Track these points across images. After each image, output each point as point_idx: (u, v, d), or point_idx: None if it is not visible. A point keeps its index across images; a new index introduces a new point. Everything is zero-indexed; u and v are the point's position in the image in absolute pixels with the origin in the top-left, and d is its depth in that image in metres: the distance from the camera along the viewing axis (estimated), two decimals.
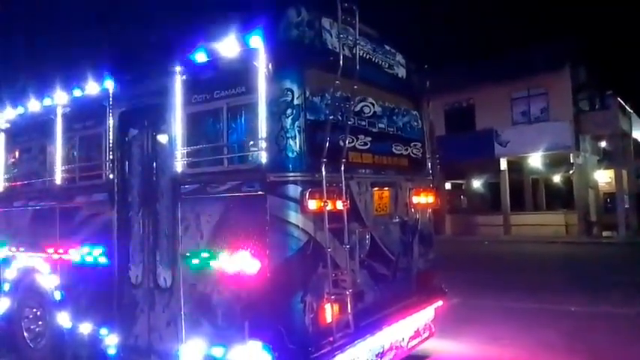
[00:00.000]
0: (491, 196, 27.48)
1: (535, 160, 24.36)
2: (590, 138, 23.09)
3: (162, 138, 4.63)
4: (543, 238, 21.17)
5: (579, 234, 21.51)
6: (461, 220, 25.32)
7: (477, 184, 29.44)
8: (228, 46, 4.00)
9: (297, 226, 3.71)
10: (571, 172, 23.02)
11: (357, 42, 4.20)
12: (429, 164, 5.63)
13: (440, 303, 5.25)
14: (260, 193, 3.81)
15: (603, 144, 24.41)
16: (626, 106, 23.62)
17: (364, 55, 4.65)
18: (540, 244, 19.82)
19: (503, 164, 23.45)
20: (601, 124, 21.62)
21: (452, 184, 28.84)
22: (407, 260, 5.01)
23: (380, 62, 5.00)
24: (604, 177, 26.04)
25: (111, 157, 4.98)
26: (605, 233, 21.98)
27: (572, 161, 22.13)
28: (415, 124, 5.49)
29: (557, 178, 28.05)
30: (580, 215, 21.84)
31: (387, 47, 5.12)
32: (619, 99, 22.05)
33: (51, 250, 5.49)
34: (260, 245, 3.80)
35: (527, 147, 22.62)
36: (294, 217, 3.71)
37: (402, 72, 5.33)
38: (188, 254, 4.25)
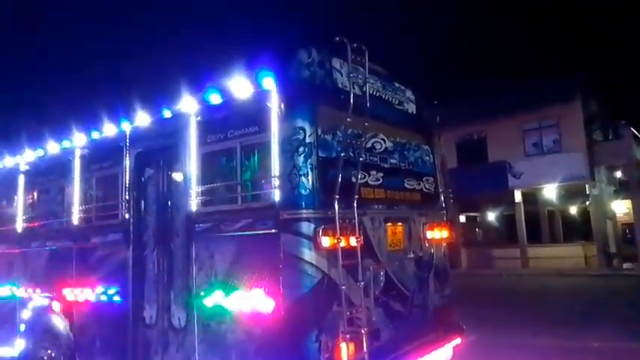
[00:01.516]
0: (507, 229, 27.10)
1: (550, 192, 24.09)
2: (605, 168, 22.85)
3: (177, 177, 4.71)
4: (562, 271, 20.70)
5: (599, 266, 21.01)
6: (477, 254, 24.93)
7: (492, 216, 29.11)
8: (241, 88, 4.11)
9: (311, 264, 3.71)
10: (587, 203, 22.70)
11: (367, 80, 4.29)
12: (442, 198, 5.62)
13: (458, 340, 5.13)
14: (273, 230, 3.83)
15: (619, 174, 24.12)
16: None
17: (374, 92, 4.74)
18: (560, 277, 19.36)
19: (518, 196, 23.22)
20: (615, 154, 21.42)
21: (466, 216, 28.56)
22: (423, 296, 4.94)
23: (390, 99, 5.07)
24: (621, 207, 25.61)
25: (127, 196, 5.06)
26: (625, 265, 21.45)
27: (587, 192, 21.85)
28: (427, 158, 5.51)
29: (573, 210, 27.64)
30: (599, 247, 21.39)
31: (397, 84, 5.21)
32: (632, 129, 21.91)
33: (66, 291, 5.52)
34: (274, 284, 3.79)
35: (541, 178, 22.42)
36: (308, 254, 3.71)
37: (412, 108, 5.39)
38: (202, 293, 4.24)
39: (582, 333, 8.70)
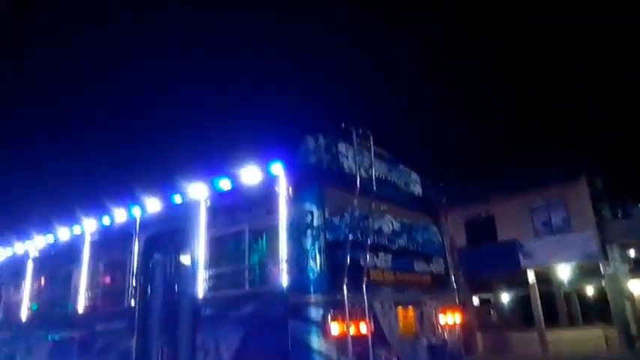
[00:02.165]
0: (523, 310, 26.12)
1: (564, 271, 23.51)
2: (618, 247, 22.46)
3: (185, 261, 4.70)
4: (585, 355, 19.68)
5: (621, 348, 20.00)
6: (493, 337, 23.88)
7: (506, 297, 28.20)
8: (250, 174, 4.22)
9: (320, 352, 3.58)
10: (603, 282, 22.07)
11: (373, 163, 4.39)
12: (453, 279, 5.51)
13: None
14: (281, 316, 3.74)
15: (632, 253, 23.68)
16: None
17: (380, 175, 4.82)
18: None
19: (531, 276, 22.64)
20: (626, 233, 21.13)
21: (480, 298, 27.70)
22: None
23: (396, 181, 5.15)
24: (638, 287, 24.85)
25: (134, 283, 5.02)
26: None
27: (602, 271, 21.32)
28: (435, 239, 5.48)
29: (590, 290, 26.77)
30: (619, 329, 20.49)
31: (402, 166, 5.31)
32: None
33: None
34: None
35: (553, 258, 21.98)
36: (317, 342, 3.59)
37: (418, 189, 5.45)
38: None
39: None
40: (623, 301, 21.52)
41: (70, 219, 5.94)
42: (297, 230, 3.86)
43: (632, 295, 23.97)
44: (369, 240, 4.17)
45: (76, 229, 5.86)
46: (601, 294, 23.82)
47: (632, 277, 24.76)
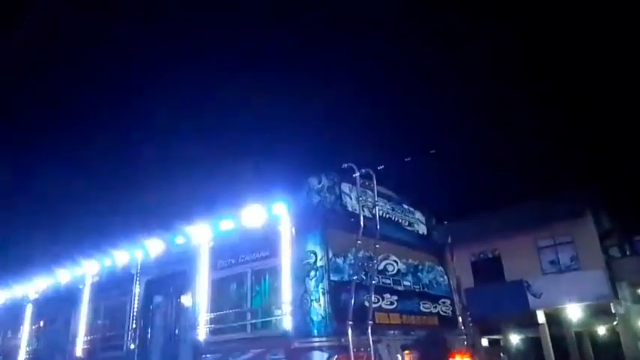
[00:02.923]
0: (534, 352, 25.40)
1: (574, 312, 22.99)
2: (628, 285, 22.04)
3: (187, 303, 4.62)
4: None
5: None
6: None
7: (515, 339, 27.52)
8: (253, 215, 4.19)
9: None
10: (615, 322, 21.54)
11: (376, 203, 4.36)
12: (461, 320, 5.38)
13: None
14: None
15: None
16: None
17: (384, 214, 4.78)
18: None
19: (541, 317, 22.13)
20: (635, 272, 20.78)
21: (489, 340, 27.04)
22: None
23: (400, 220, 5.11)
24: None
25: (133, 325, 4.92)
26: None
27: (613, 311, 20.83)
28: (441, 279, 5.38)
29: (601, 330, 26.10)
30: None
31: (406, 206, 5.27)
32: None
33: None
34: None
35: (562, 298, 21.54)
36: None
37: (422, 229, 5.40)
38: None
39: None
40: (635, 342, 20.92)
41: (71, 261, 5.90)
42: (301, 272, 3.81)
43: None
44: (373, 281, 4.10)
45: (77, 271, 5.81)
46: (613, 334, 23.21)
47: None
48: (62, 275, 5.99)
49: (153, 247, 4.99)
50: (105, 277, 5.55)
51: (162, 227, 5.00)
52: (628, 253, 22.34)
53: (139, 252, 5.14)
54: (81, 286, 5.71)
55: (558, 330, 23.92)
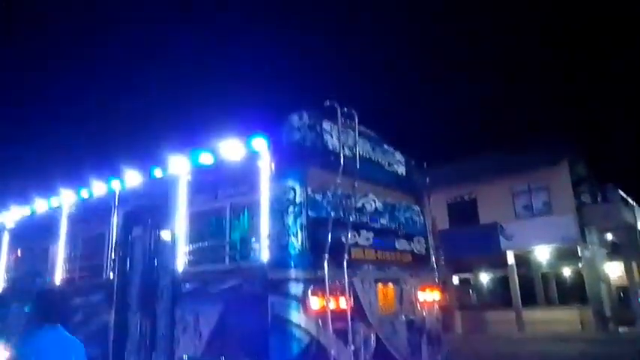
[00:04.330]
0: (501, 291, 26.69)
1: (543, 254, 23.99)
2: (596, 230, 22.91)
3: (165, 236, 4.66)
4: (559, 336, 20.22)
5: (595, 330, 20.57)
6: (472, 317, 24.38)
7: (485, 278, 28.78)
8: (232, 149, 4.16)
9: (300, 327, 3.60)
10: (580, 265, 22.58)
11: (357, 142, 4.36)
12: (433, 259, 5.56)
13: None
14: (261, 291, 3.75)
15: (610, 237, 24.19)
16: (629, 199, 23.74)
17: (364, 154, 4.80)
18: (557, 342, 18.89)
19: (511, 258, 23.05)
20: (604, 217, 21.54)
21: (460, 278, 28.20)
22: None
23: (380, 161, 5.14)
24: (615, 270, 25.45)
25: (112, 256, 4.98)
26: (621, 329, 21.00)
27: (580, 254, 21.78)
28: (417, 219, 5.51)
29: (567, 272, 27.43)
30: (594, 310, 21.04)
31: (387, 146, 5.29)
32: (620, 192, 22.23)
33: None
34: (261, 347, 3.66)
35: (533, 240, 22.37)
36: (297, 316, 3.61)
37: (401, 169, 5.45)
38: (185, 357, 4.08)
39: None
40: (599, 284, 22.06)
41: (48, 191, 5.84)
42: (279, 207, 3.84)
43: (608, 278, 24.58)
44: (351, 218, 4.16)
45: (54, 202, 5.77)
46: (578, 276, 24.42)
47: (609, 261, 25.36)
48: (39, 205, 5.95)
49: (130, 178, 4.96)
50: (82, 208, 5.54)
51: (140, 159, 4.95)
52: (599, 200, 23.04)
53: (116, 183, 5.11)
54: (58, 217, 5.70)
55: (526, 271, 25.05)
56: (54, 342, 2.63)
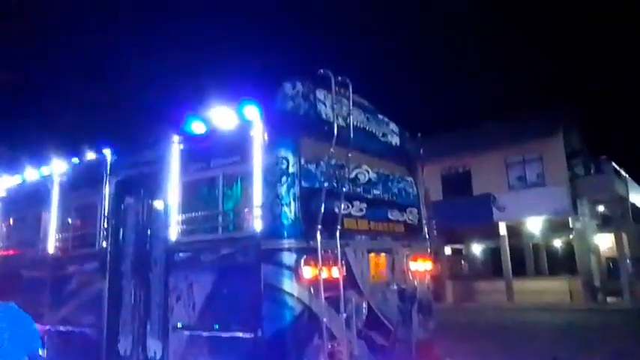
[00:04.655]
0: (492, 262, 27.11)
1: (534, 225, 24.26)
2: (588, 202, 23.10)
3: (158, 206, 4.65)
4: (548, 305, 20.63)
5: (584, 300, 20.98)
6: (462, 287, 24.80)
7: (477, 249, 29.16)
8: (224, 118, 4.11)
9: (292, 295, 3.64)
10: (571, 236, 22.87)
11: (351, 112, 4.32)
12: (426, 229, 5.60)
13: None
14: (254, 261, 3.76)
15: (602, 208, 24.42)
16: (621, 171, 23.87)
17: (358, 124, 4.76)
18: (545, 312, 19.28)
19: (503, 229, 23.29)
20: (597, 189, 21.70)
21: (452, 249, 28.55)
22: (406, 330, 4.86)
23: (374, 131, 5.11)
24: (605, 241, 25.81)
25: (105, 225, 4.97)
26: (609, 299, 21.43)
27: (571, 226, 22.02)
28: (410, 190, 5.51)
29: (558, 243, 27.81)
30: (583, 281, 21.42)
31: (381, 116, 5.25)
32: (613, 163, 22.32)
33: (40, 320, 5.34)
34: (254, 315, 3.70)
35: (525, 212, 22.58)
36: (289, 285, 3.64)
37: (395, 140, 5.43)
38: (179, 325, 4.13)
39: None
40: (589, 255, 22.38)
41: (39, 159, 5.78)
42: (272, 177, 3.83)
43: (598, 249, 24.93)
44: (344, 189, 4.16)
45: (45, 170, 5.72)
46: (568, 247, 24.78)
47: (600, 232, 25.67)
48: (30, 174, 5.89)
49: (122, 147, 4.91)
50: (74, 177, 5.50)
51: (132, 126, 4.89)
52: (592, 171, 23.13)
53: (107, 152, 5.06)
54: (50, 185, 5.66)
55: (517, 242, 25.35)
56: (5, 319, 2.64)
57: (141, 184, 4.82)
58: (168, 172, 4.44)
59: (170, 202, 4.40)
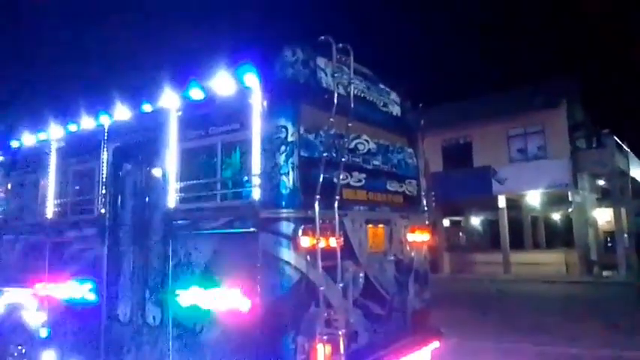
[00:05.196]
0: (490, 234, 27.33)
1: (534, 198, 24.34)
2: (588, 176, 23.11)
3: (156, 173, 4.63)
4: (544, 277, 20.90)
5: (580, 273, 21.24)
6: (460, 258, 25.06)
7: (475, 221, 29.34)
8: (223, 84, 4.04)
9: (290, 264, 3.66)
10: (570, 210, 22.97)
11: (352, 81, 4.25)
12: (424, 201, 5.60)
13: (436, 344, 5.11)
14: (252, 229, 3.77)
15: (601, 182, 24.44)
16: (623, 145, 23.79)
17: (359, 93, 4.70)
18: (541, 284, 19.55)
19: (502, 202, 23.36)
20: (598, 163, 21.68)
21: (450, 221, 28.74)
22: (402, 299, 4.91)
23: (374, 100, 5.04)
24: (604, 216, 25.96)
25: (103, 191, 4.96)
26: (605, 273, 21.70)
27: (570, 199, 22.07)
28: (410, 161, 5.48)
29: (556, 216, 27.97)
30: (580, 254, 21.62)
31: (382, 86, 5.17)
32: (615, 137, 22.22)
33: (39, 286, 5.40)
34: (251, 283, 3.73)
35: (525, 185, 22.61)
36: (287, 254, 3.66)
37: (396, 110, 5.36)
38: (178, 291, 4.16)
39: (561, 339, 8.77)
40: (586, 229, 22.54)
41: (35, 124, 5.73)
42: (271, 146, 3.79)
43: (596, 223, 25.07)
44: (343, 159, 4.12)
45: (41, 136, 5.67)
46: (567, 221, 24.93)
47: (599, 207, 25.74)
48: (26, 139, 5.85)
49: (119, 113, 4.85)
50: (71, 143, 5.46)
51: (130, 92, 4.82)
52: (594, 145, 23.03)
53: (105, 118, 5.00)
54: (47, 151, 5.63)
55: (516, 214, 25.49)
56: None
57: (139, 151, 4.79)
58: (167, 140, 4.40)
59: (168, 169, 4.38)
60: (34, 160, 5.79)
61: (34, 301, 5.47)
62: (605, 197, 24.92)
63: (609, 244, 24.49)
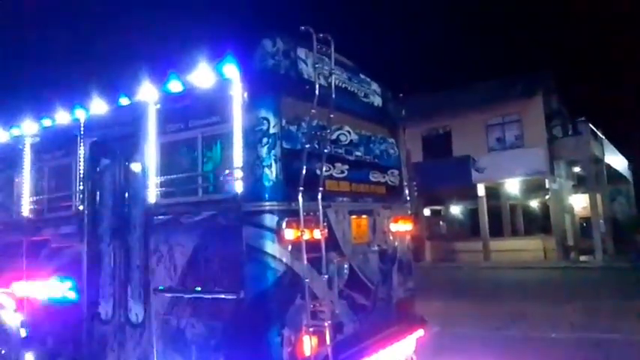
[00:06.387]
0: (470, 222, 27.71)
1: (512, 186, 24.73)
2: (565, 163, 23.56)
3: (135, 168, 4.54)
4: (523, 264, 21.29)
5: (557, 259, 21.69)
6: (441, 247, 25.35)
7: (455, 210, 29.69)
8: (203, 76, 3.97)
9: (274, 257, 3.63)
10: (547, 197, 23.42)
11: (333, 71, 4.21)
12: (407, 191, 5.62)
13: (421, 332, 5.16)
14: (235, 223, 3.73)
15: (577, 169, 24.94)
16: (598, 132, 24.27)
17: (340, 84, 4.66)
18: (520, 270, 19.90)
19: (481, 190, 23.68)
20: (574, 150, 22.11)
21: (431, 210, 29.01)
22: (386, 289, 4.94)
23: (356, 91, 5.02)
24: (580, 202, 26.51)
25: (81, 187, 4.85)
26: (582, 258, 22.20)
27: (547, 187, 22.50)
28: (392, 151, 5.49)
29: (534, 204, 28.49)
30: (557, 240, 22.07)
31: (363, 76, 5.15)
32: (590, 125, 22.66)
33: (17, 286, 5.27)
34: (236, 277, 3.70)
35: (503, 173, 22.95)
36: (271, 247, 3.63)
37: (377, 100, 5.36)
38: (161, 287, 4.11)
39: (540, 324, 8.93)
40: (563, 215, 23.01)
41: (8, 120, 5.57)
42: (253, 138, 3.74)
43: (572, 209, 25.60)
44: (325, 150, 4.10)
45: (14, 131, 5.52)
46: (544, 208, 25.43)
47: (575, 193, 26.27)
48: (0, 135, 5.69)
49: (96, 107, 4.73)
50: (46, 138, 5.32)
51: (106, 85, 4.70)
52: (570, 133, 23.44)
53: (80, 112, 4.88)
54: (21, 147, 5.47)
55: (495, 202, 25.86)
56: None
57: (117, 145, 4.69)
58: (145, 133, 4.32)
59: (148, 164, 4.30)
60: (8, 157, 5.63)
61: (12, 301, 5.34)
62: (581, 184, 25.44)
63: (585, 230, 25.03)
